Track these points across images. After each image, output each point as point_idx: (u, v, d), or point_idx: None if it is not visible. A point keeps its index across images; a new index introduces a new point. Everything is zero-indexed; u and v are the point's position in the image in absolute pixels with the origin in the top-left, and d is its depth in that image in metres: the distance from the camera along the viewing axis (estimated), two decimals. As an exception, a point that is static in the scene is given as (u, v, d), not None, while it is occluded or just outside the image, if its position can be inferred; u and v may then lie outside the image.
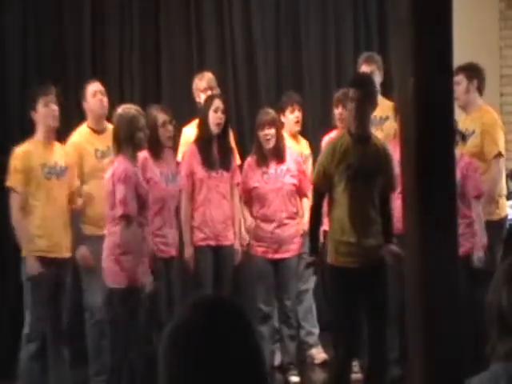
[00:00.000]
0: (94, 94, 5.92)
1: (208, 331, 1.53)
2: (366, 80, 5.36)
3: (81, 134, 5.92)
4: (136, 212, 5.03)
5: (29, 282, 5.38)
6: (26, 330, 5.41)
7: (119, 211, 5.01)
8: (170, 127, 5.80)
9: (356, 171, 4.94)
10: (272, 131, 6.08)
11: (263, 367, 1.57)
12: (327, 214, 5.20)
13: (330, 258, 5.03)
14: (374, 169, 4.99)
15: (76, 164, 5.75)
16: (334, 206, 5.02)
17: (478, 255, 5.42)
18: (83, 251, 5.61)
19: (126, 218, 5.00)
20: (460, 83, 5.96)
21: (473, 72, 6.06)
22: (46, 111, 5.48)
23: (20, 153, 5.45)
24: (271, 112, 6.23)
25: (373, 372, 5.08)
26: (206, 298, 1.63)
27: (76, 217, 5.69)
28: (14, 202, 5.41)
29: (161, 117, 5.71)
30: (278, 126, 6.18)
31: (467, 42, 6.81)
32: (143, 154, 5.57)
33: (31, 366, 5.40)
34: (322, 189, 5.07)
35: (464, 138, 5.62)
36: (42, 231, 5.41)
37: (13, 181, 5.42)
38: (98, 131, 5.89)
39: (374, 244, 4.99)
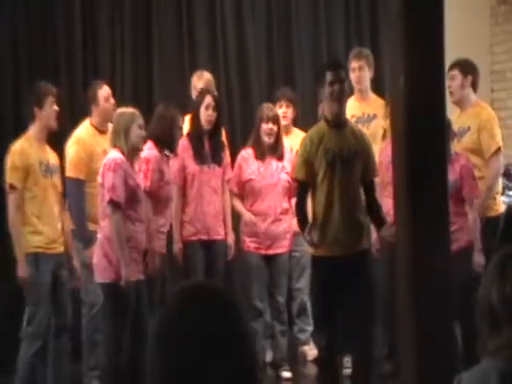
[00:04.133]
0: (108, 97, 5.92)
1: (193, 317, 1.54)
2: (341, 63, 5.36)
3: (87, 132, 5.89)
4: (123, 200, 5.00)
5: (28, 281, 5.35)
6: (31, 327, 5.37)
7: (107, 197, 4.99)
8: (181, 134, 5.80)
9: (334, 155, 4.89)
10: (275, 127, 6.11)
11: (251, 346, 1.58)
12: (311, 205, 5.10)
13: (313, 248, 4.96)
14: (353, 152, 4.95)
15: (82, 161, 5.73)
16: (315, 194, 4.96)
17: (480, 261, 5.36)
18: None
19: (113, 204, 4.98)
20: (455, 78, 5.96)
21: (468, 68, 6.04)
22: (51, 111, 5.48)
23: (18, 149, 5.43)
24: (274, 108, 6.29)
25: (357, 366, 5.01)
26: (187, 287, 1.64)
27: (82, 217, 5.70)
28: (13, 200, 5.38)
29: (179, 120, 5.70)
30: (280, 124, 6.22)
31: (458, 39, 6.82)
32: (153, 153, 5.54)
33: (33, 362, 5.37)
34: (304, 179, 4.99)
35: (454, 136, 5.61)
36: (39, 228, 5.40)
37: (12, 178, 5.38)
38: (102, 131, 5.87)
39: (359, 231, 4.95)
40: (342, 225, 4.89)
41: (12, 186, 5.38)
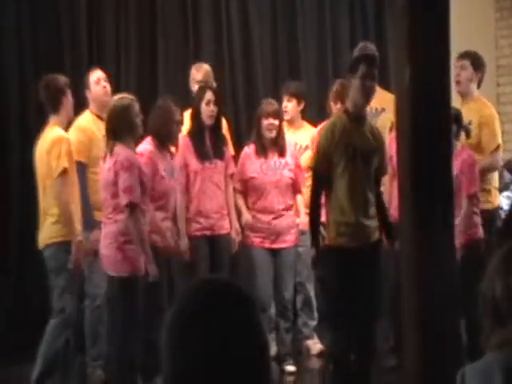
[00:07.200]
0: (98, 81, 5.94)
1: (208, 313, 1.54)
2: (376, 57, 5.26)
3: (87, 119, 5.92)
4: (140, 199, 5.03)
5: (62, 268, 5.35)
6: (64, 315, 5.38)
7: (124, 200, 4.97)
8: (180, 128, 5.80)
9: (355, 150, 4.88)
10: (276, 122, 6.10)
11: (265, 347, 1.58)
12: (325, 199, 5.04)
13: (329, 239, 4.94)
14: (372, 148, 4.95)
15: (82, 145, 5.75)
16: (333, 187, 4.92)
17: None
18: (98, 235, 5.61)
19: (131, 206, 4.98)
20: (465, 68, 5.93)
21: (479, 62, 6.02)
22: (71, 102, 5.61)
23: (64, 136, 5.49)
24: (275, 103, 6.25)
25: (360, 358, 4.98)
26: (204, 281, 1.64)
27: (86, 202, 5.71)
28: (65, 183, 5.38)
29: (178, 114, 5.71)
30: (281, 118, 6.21)
31: (464, 33, 6.81)
32: (148, 148, 5.56)
33: (58, 350, 5.39)
34: (322, 172, 4.95)
35: (468, 134, 5.62)
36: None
37: (66, 162, 5.40)
38: (102, 118, 5.86)
39: (373, 223, 4.95)
40: (360, 217, 4.89)
41: (65, 170, 5.38)
